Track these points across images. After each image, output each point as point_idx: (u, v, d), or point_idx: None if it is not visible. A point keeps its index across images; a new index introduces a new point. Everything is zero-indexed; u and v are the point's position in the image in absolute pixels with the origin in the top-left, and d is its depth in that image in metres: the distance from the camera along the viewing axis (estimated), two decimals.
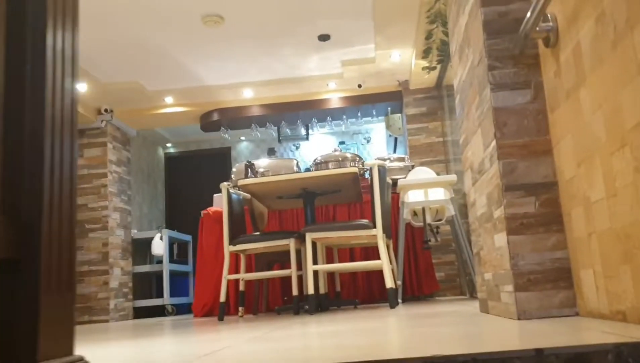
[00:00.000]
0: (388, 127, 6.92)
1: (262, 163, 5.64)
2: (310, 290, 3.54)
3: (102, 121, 6.46)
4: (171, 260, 7.23)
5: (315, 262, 3.91)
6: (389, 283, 3.48)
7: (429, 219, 4.59)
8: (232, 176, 5.64)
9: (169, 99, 6.34)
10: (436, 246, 5.49)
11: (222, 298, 3.86)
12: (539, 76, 1.78)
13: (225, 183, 3.99)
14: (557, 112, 1.65)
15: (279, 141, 8.14)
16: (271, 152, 8.49)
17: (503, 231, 1.75)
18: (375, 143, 8.26)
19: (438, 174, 5.83)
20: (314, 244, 3.94)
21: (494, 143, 1.78)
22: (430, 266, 4.91)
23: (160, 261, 6.90)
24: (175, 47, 5.14)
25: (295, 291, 3.78)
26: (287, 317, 3.40)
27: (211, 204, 6.10)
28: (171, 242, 7.61)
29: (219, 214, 5.11)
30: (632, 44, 1.14)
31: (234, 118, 6.54)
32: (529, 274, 1.68)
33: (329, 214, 4.98)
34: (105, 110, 6.41)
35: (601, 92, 1.32)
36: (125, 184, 6.84)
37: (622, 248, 1.29)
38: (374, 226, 3.59)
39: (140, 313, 6.83)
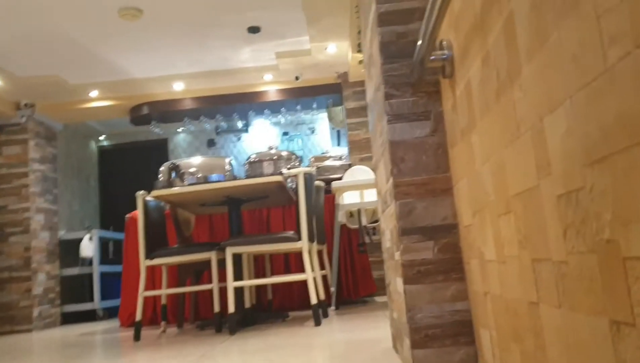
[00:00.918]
0: (330, 120, 6.71)
1: (193, 161, 5.35)
2: (231, 308, 3.33)
3: (21, 116, 6.03)
4: (105, 261, 6.89)
5: (240, 274, 3.70)
6: (314, 299, 3.30)
7: (364, 221, 4.44)
8: (160, 176, 5.35)
9: (94, 93, 5.96)
10: (374, 245, 5.35)
11: (138, 317, 3.61)
12: (439, 105, 1.59)
13: (140, 192, 3.72)
14: (456, 149, 1.47)
15: (217, 133, 7.83)
16: (211, 144, 8.20)
17: (401, 278, 1.57)
18: (320, 134, 8.04)
19: None
20: (240, 254, 3.73)
21: (391, 180, 1.59)
22: (366, 268, 4.76)
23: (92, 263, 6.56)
24: (93, 40, 4.77)
25: (216, 307, 3.57)
26: (204, 338, 3.18)
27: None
28: (105, 241, 7.27)
29: None
30: (513, 100, 0.96)
31: (165, 112, 6.22)
32: (426, 328, 1.51)
33: (262, 218, 4.76)
34: (25, 105, 5.99)
35: (488, 143, 1.14)
36: (50, 183, 6.43)
37: (512, 324, 1.12)
38: (299, 238, 3.39)
39: (70, 318, 6.50)
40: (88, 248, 6.47)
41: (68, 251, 6.67)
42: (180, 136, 8.14)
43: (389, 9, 1.62)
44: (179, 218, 4.27)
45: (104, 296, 6.65)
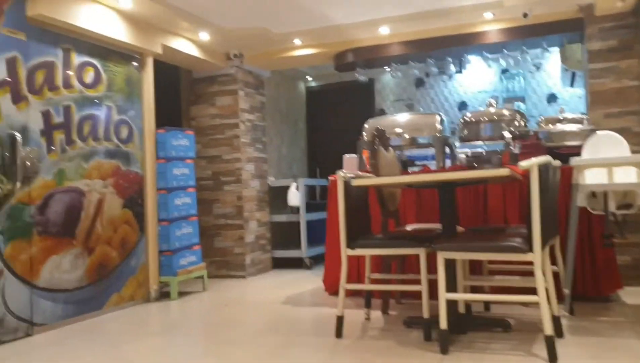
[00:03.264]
0: (564, 60, 5.57)
1: (399, 119, 4.82)
2: (443, 324, 2.81)
3: (232, 66, 6.01)
4: (312, 207, 6.85)
5: (453, 281, 3.14)
6: (548, 329, 2.62)
7: (612, 207, 3.53)
8: (363, 133, 4.92)
9: (297, 41, 5.66)
10: (621, 223, 4.34)
11: (339, 311, 3.29)
12: None
13: (341, 172, 3.29)
14: None
15: (426, 75, 7.11)
16: (419, 83, 7.54)
17: None
18: (547, 71, 6.84)
19: (628, 130, 4.56)
20: None
21: None
22: (611, 260, 3.86)
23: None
24: None
25: (426, 314, 3.10)
26: (410, 352, 2.73)
27: (352, 150, 5.52)
28: (312, 187, 7.24)
29: None
30: None
31: (371, 58, 5.70)
32: None
33: (478, 194, 4.08)
34: (235, 55, 5.93)
35: None
36: (259, 132, 6.45)
37: None
38: (530, 249, 2.69)
39: (280, 263, 6.63)
40: (295, 197, 6.45)
41: (277, 197, 6.75)
42: (388, 76, 7.59)
43: None
44: (383, 193, 3.80)
45: (311, 242, 6.65)
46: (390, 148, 4.01)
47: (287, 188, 6.58)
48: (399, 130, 4.58)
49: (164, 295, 4.86)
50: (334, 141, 7.90)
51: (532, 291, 2.73)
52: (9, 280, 3.40)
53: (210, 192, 6.13)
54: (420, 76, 7.34)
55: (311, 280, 5.53)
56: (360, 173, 3.69)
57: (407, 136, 4.58)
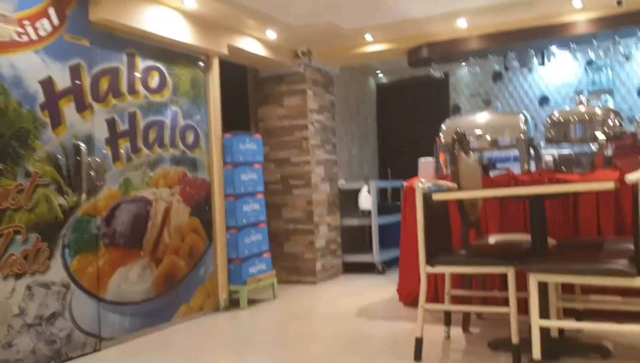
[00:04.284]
0: None
1: (479, 119, 4.47)
2: (536, 354, 2.50)
3: (300, 64, 5.82)
4: (383, 210, 6.58)
5: (546, 304, 2.80)
6: None
7: None
8: (440, 135, 4.61)
9: (368, 37, 5.40)
10: None
11: (418, 333, 3.03)
12: None
13: (420, 183, 3.02)
14: None
15: (506, 69, 6.66)
16: (497, 77, 7.10)
17: None
18: (637, 61, 6.25)
19: None
20: None
21: None
22: None
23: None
24: None
25: (514, 339, 2.78)
26: None
27: (426, 149, 5.23)
28: (383, 188, 6.98)
29: None
30: None
31: (447, 53, 5.35)
32: None
33: (567, 204, 3.69)
34: (303, 52, 5.74)
35: None
36: (329, 132, 6.24)
37: None
38: (639, 273, 2.33)
39: (351, 268, 6.41)
40: (366, 200, 6.20)
41: (347, 200, 6.52)
42: (463, 70, 7.19)
43: None
44: (464, 203, 3.50)
45: (383, 246, 6.40)
46: (470, 152, 3.69)
47: (358, 190, 6.34)
48: (479, 131, 4.24)
49: (233, 303, 4.74)
50: (406, 139, 7.58)
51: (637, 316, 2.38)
52: (76, 294, 3.36)
53: (279, 196, 5.98)
54: (499, 70, 6.89)
55: (384, 287, 5.27)
56: (440, 181, 3.40)
57: (488, 138, 4.23)
